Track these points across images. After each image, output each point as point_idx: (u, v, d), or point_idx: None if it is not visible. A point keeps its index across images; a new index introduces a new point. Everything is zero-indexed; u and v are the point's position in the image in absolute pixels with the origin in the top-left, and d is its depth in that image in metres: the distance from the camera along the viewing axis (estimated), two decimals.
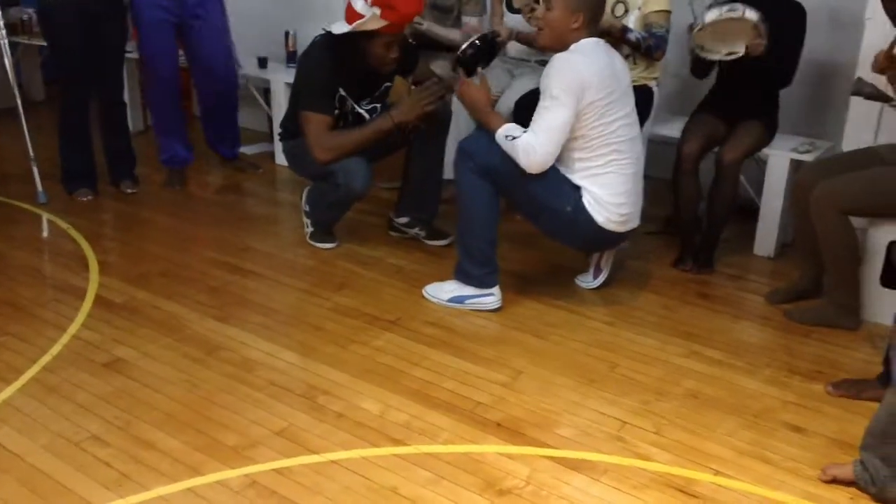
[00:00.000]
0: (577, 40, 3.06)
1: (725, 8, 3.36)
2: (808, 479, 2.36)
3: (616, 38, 3.68)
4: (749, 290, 3.56)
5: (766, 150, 3.77)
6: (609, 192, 3.13)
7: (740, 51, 3.39)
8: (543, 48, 3.30)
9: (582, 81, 2.97)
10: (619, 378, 2.85)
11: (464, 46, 3.65)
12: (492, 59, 3.79)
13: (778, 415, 2.66)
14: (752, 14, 3.32)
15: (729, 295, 3.52)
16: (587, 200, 3.13)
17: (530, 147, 3.01)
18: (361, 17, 3.33)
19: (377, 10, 3.31)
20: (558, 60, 3.03)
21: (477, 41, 3.68)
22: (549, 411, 2.64)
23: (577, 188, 3.14)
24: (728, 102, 3.71)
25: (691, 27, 3.50)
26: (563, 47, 3.08)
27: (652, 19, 3.75)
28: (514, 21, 4.22)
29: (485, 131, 3.18)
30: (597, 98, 2.99)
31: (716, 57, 3.49)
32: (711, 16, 3.37)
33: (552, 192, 3.14)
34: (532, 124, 3.04)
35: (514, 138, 3.05)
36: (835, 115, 3.96)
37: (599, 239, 3.27)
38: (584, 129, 3.04)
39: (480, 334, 3.14)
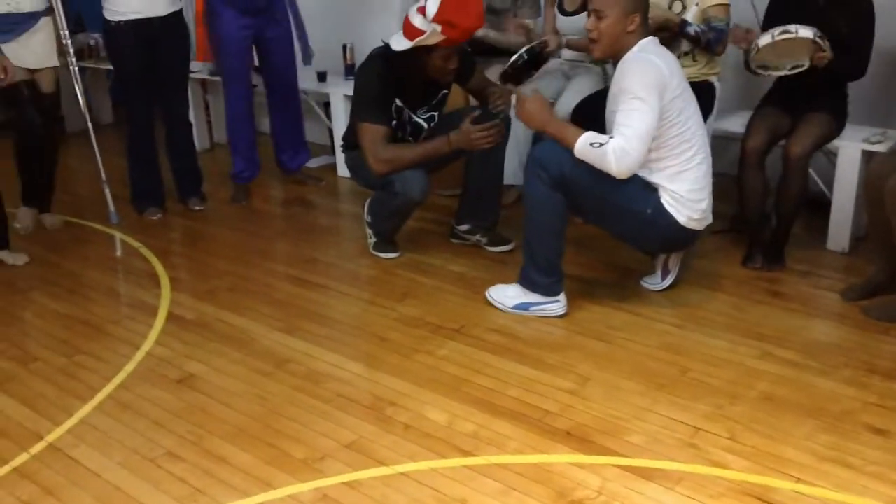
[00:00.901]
0: (633, 42, 3.02)
1: (778, 30, 3.31)
2: (893, 484, 2.28)
3: (674, 32, 3.63)
4: (823, 287, 3.47)
5: (835, 142, 3.66)
6: (689, 189, 3.08)
7: (805, 63, 3.34)
8: (599, 59, 3.26)
9: (662, 79, 2.94)
10: (689, 382, 2.79)
11: (511, 61, 3.66)
12: (538, 68, 3.78)
13: (858, 417, 2.57)
14: (806, 32, 3.27)
15: (802, 292, 3.43)
16: (666, 200, 3.09)
17: (622, 151, 2.93)
18: (421, 32, 3.34)
19: (438, 27, 3.31)
20: (634, 62, 2.99)
21: (524, 55, 3.69)
22: (618, 418, 2.60)
23: (654, 189, 3.10)
24: (793, 95, 3.62)
25: (747, 53, 3.46)
26: (620, 53, 3.05)
27: (711, 13, 3.68)
28: (567, 24, 4.19)
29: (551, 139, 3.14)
30: (675, 95, 2.97)
31: (780, 73, 3.44)
32: (765, 40, 3.34)
33: (630, 195, 3.09)
34: (619, 127, 2.97)
35: (600, 145, 2.98)
36: None
37: (679, 238, 3.22)
38: (663, 127, 2.99)
39: (545, 340, 3.12)
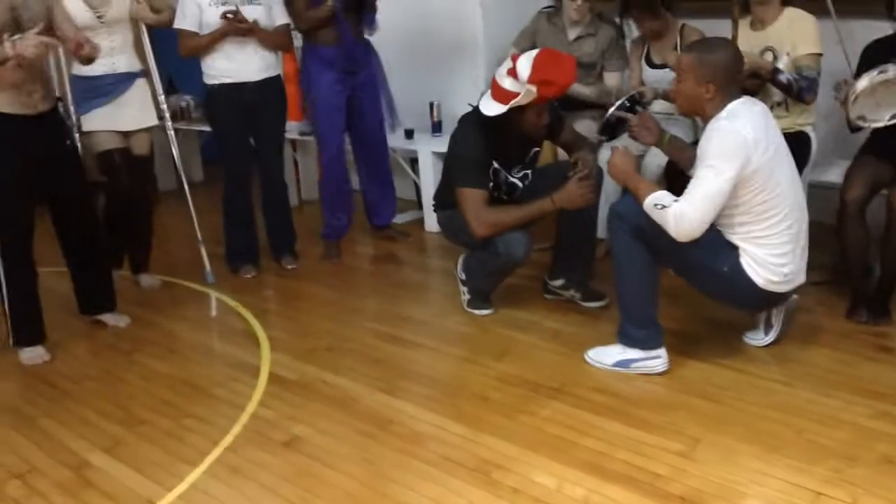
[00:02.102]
0: (717, 106, 2.99)
1: (875, 72, 3.25)
2: None
3: (766, 79, 3.60)
4: None
5: None
6: (770, 254, 3.04)
7: None
8: (682, 114, 3.26)
9: (744, 147, 2.89)
10: (804, 443, 2.72)
11: (611, 111, 3.66)
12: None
13: None
14: None
15: None
16: (745, 262, 3.05)
17: (682, 216, 2.94)
18: (515, 94, 3.37)
19: (533, 88, 3.33)
20: (717, 129, 2.95)
21: (626, 102, 3.69)
22: (733, 482, 2.54)
23: (735, 248, 3.06)
24: (893, 143, 3.54)
25: (844, 101, 3.40)
26: (704, 113, 3.03)
27: (803, 63, 3.66)
28: (654, 77, 4.20)
29: None
30: (762, 163, 2.92)
31: (881, 124, 3.37)
32: (863, 84, 3.28)
33: (707, 252, 3.07)
34: (686, 192, 2.97)
35: (663, 207, 2.99)
36: None
37: (759, 299, 3.16)
38: (748, 195, 2.96)
39: (648, 399, 3.07)
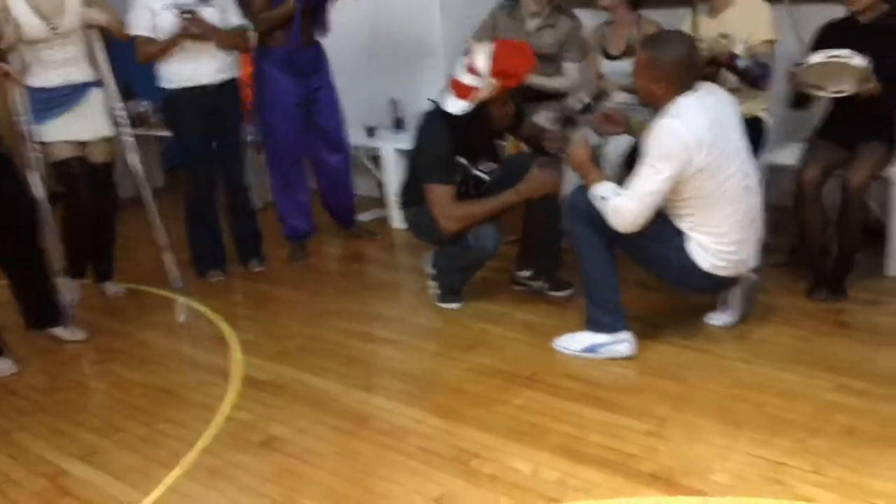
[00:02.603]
0: (669, 98, 3.06)
1: (828, 53, 3.35)
2: None
3: (723, 65, 3.69)
4: (888, 314, 3.48)
5: (890, 169, 3.69)
6: (718, 241, 3.14)
7: (848, 90, 3.37)
8: (643, 105, 3.34)
9: (686, 150, 2.96)
10: (767, 418, 2.81)
11: (577, 108, 3.75)
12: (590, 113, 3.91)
13: None
14: (859, 61, 3.31)
15: (867, 321, 3.45)
16: (692, 247, 3.15)
17: (619, 210, 3.06)
18: (474, 89, 3.43)
19: (494, 81, 3.39)
20: (660, 127, 3.02)
21: (590, 101, 3.80)
22: (701, 458, 2.63)
23: (681, 233, 3.16)
24: (845, 127, 3.65)
25: (795, 65, 3.51)
26: (659, 105, 3.10)
27: (758, 49, 3.75)
28: (612, 69, 4.28)
29: None
30: (706, 162, 2.99)
31: (822, 94, 3.47)
32: (817, 58, 3.38)
33: (656, 238, 3.18)
34: (626, 188, 3.08)
35: (604, 199, 3.10)
36: None
37: (708, 283, 3.26)
38: (692, 191, 3.05)
39: (619, 383, 3.15)
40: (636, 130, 3.49)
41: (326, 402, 3.19)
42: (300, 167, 4.73)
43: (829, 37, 3.63)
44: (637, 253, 3.29)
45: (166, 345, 3.91)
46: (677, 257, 3.16)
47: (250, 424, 3.09)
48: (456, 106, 3.50)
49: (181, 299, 4.36)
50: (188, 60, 4.20)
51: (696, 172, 2.99)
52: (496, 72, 3.39)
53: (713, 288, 3.39)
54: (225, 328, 3.96)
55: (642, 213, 3.05)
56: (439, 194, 3.58)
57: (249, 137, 5.20)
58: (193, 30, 4.12)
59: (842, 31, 3.61)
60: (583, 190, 3.25)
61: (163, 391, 3.43)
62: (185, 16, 4.08)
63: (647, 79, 3.08)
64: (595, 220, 3.18)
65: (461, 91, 3.48)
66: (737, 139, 3.17)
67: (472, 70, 3.45)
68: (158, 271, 4.53)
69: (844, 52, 3.34)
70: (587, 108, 3.95)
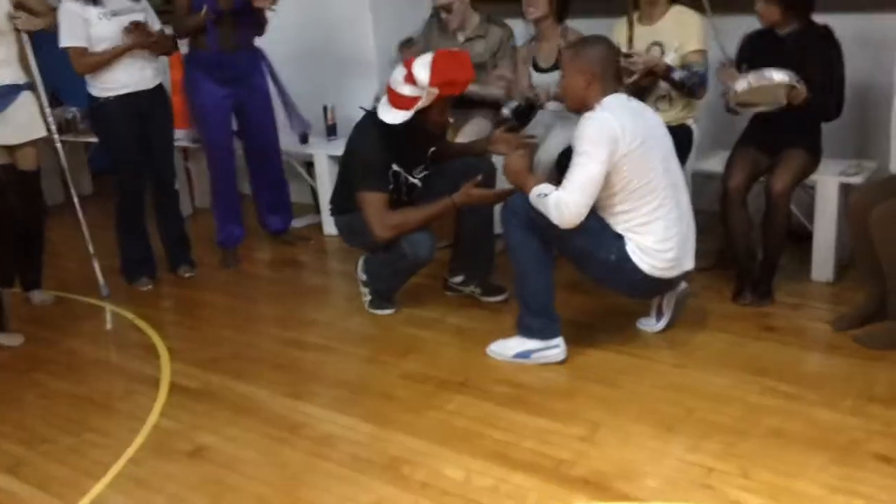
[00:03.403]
0: (595, 97, 3.13)
1: (753, 76, 3.44)
2: None
3: (661, 76, 3.74)
4: (814, 318, 3.56)
5: (813, 176, 3.78)
6: (654, 240, 3.16)
7: (783, 101, 3.46)
8: (572, 111, 3.38)
9: (612, 134, 3.02)
10: (697, 421, 2.85)
11: (509, 112, 3.77)
12: (528, 122, 3.91)
13: (865, 446, 2.64)
14: (781, 76, 3.39)
15: (794, 325, 3.52)
16: (631, 249, 3.17)
17: (562, 202, 3.06)
18: (416, 99, 3.42)
19: (435, 90, 3.40)
20: (586, 118, 3.10)
21: (522, 105, 3.82)
22: (632, 462, 2.65)
23: (620, 237, 3.18)
24: (769, 134, 3.73)
25: (724, 94, 3.61)
26: (587, 107, 3.15)
27: (691, 59, 3.81)
28: (541, 81, 4.31)
29: None
30: (630, 149, 3.04)
31: (759, 109, 3.55)
32: (741, 86, 3.46)
33: (595, 241, 3.19)
34: (564, 181, 3.10)
35: (545, 195, 3.11)
36: (878, 135, 3.96)
37: (647, 285, 3.29)
38: (622, 181, 3.08)
39: (551, 388, 3.16)
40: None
41: (256, 410, 3.15)
42: (233, 172, 4.67)
43: (752, 48, 3.70)
44: (576, 256, 3.30)
45: (94, 353, 3.81)
46: (617, 260, 3.18)
47: (178, 433, 3.03)
48: (393, 116, 3.49)
49: (109, 307, 4.26)
50: (122, 68, 4.11)
51: (622, 158, 3.04)
52: (437, 82, 3.39)
53: (651, 291, 3.42)
54: (154, 336, 3.88)
55: (584, 202, 3.05)
56: (373, 201, 3.56)
57: (179, 142, 5.13)
58: (142, 40, 4.04)
59: (763, 42, 3.68)
60: (522, 195, 3.26)
61: (90, 401, 3.34)
62: (130, 26, 4.01)
63: (574, 73, 3.14)
64: (532, 222, 3.19)
65: (399, 101, 3.47)
66: (660, 136, 3.22)
67: (411, 80, 3.44)
68: (87, 279, 4.43)
69: (766, 73, 3.42)
70: (521, 112, 3.97)
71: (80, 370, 3.64)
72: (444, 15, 4.36)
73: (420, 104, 3.44)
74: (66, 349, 3.84)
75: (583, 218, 3.08)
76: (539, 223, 3.17)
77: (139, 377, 3.51)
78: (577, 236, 3.15)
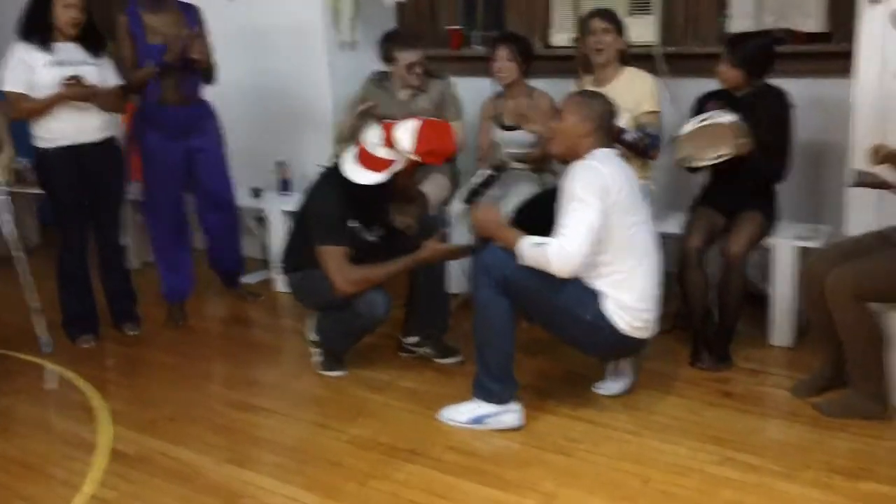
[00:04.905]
0: (588, 149, 3.11)
1: (698, 119, 3.45)
2: None
3: (612, 139, 3.71)
4: (772, 385, 3.51)
5: (769, 239, 3.76)
6: (634, 297, 3.11)
7: (728, 152, 3.44)
8: (556, 157, 3.35)
9: (604, 183, 3.01)
10: (653, 493, 2.76)
11: (478, 182, 3.76)
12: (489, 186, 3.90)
13: None
14: (726, 117, 3.40)
15: (752, 391, 3.46)
16: (608, 307, 3.11)
17: (562, 250, 2.98)
18: (390, 162, 3.38)
19: (416, 157, 3.36)
20: (578, 167, 3.08)
21: (491, 173, 3.81)
22: None
23: (596, 294, 3.12)
24: (725, 195, 3.73)
25: (672, 139, 3.58)
26: (574, 155, 3.13)
27: (644, 120, 3.81)
28: (508, 139, 4.28)
29: (501, 247, 3.17)
30: (618, 199, 3.03)
31: (704, 163, 3.55)
32: (687, 128, 3.47)
33: (572, 299, 3.12)
34: (560, 229, 3.03)
35: (541, 245, 3.03)
36: (832, 199, 3.96)
37: (621, 346, 3.23)
38: (608, 232, 3.04)
39: (504, 456, 3.06)
40: None
41: (195, 478, 3.00)
42: (183, 225, 4.55)
43: (706, 107, 3.70)
44: (549, 317, 3.23)
45: (30, 414, 3.63)
46: (593, 319, 3.11)
47: (113, 503, 2.87)
48: (365, 176, 3.43)
49: (48, 364, 4.09)
50: (67, 119, 4.00)
51: (611, 207, 3.01)
52: (422, 151, 3.36)
53: (623, 352, 3.36)
54: (94, 396, 3.71)
55: (584, 250, 2.99)
56: (335, 256, 3.47)
57: (130, 195, 5.01)
58: (76, 93, 3.94)
59: (718, 102, 3.68)
60: (496, 251, 3.19)
61: (22, 465, 3.17)
62: (70, 81, 3.90)
63: (577, 118, 3.12)
64: (508, 283, 3.11)
65: (374, 163, 3.42)
66: (639, 194, 3.22)
67: (388, 144, 3.38)
68: (29, 334, 4.26)
69: (712, 113, 3.43)
70: (489, 181, 3.94)
71: (14, 430, 3.46)
72: (409, 73, 4.32)
73: (394, 168, 3.38)
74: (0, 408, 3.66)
75: (582, 265, 3.01)
76: (513, 282, 3.10)
77: (76, 441, 3.34)
78: (554, 295, 3.09)
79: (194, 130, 4.40)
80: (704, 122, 3.46)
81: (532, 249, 3.05)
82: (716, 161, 3.50)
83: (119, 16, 4.23)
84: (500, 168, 3.96)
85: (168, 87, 4.25)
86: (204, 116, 4.46)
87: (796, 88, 3.70)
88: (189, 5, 4.35)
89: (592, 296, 3.12)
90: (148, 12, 4.20)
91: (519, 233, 3.15)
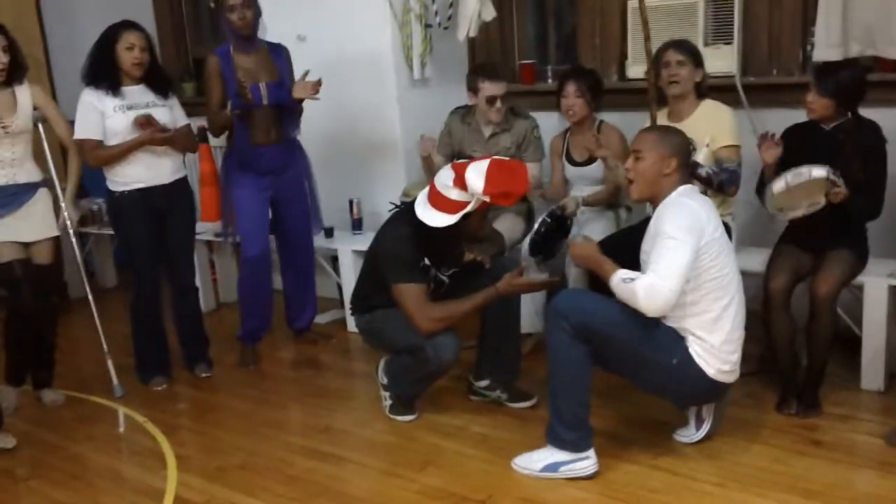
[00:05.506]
0: (671, 186, 3.03)
1: (790, 175, 3.31)
2: None
3: (688, 174, 3.59)
4: (864, 432, 3.31)
5: (860, 278, 3.57)
6: (721, 339, 3.00)
7: (821, 201, 3.29)
8: (637, 200, 3.25)
9: (698, 221, 2.93)
10: None
11: (533, 231, 3.66)
12: (567, 233, 3.78)
13: None
14: (820, 172, 3.25)
15: (843, 439, 3.27)
16: (694, 351, 2.99)
17: (652, 287, 2.88)
18: (464, 204, 3.30)
19: (486, 198, 3.28)
20: (671, 205, 3.00)
21: (548, 219, 3.71)
22: None
23: (682, 338, 3.00)
24: (812, 233, 3.54)
25: (760, 193, 3.51)
26: (657, 195, 3.05)
27: (722, 154, 3.68)
28: (576, 174, 4.20)
29: (577, 289, 3.08)
30: (712, 239, 2.94)
31: (799, 213, 3.39)
32: (779, 186, 3.33)
33: (655, 344, 3.01)
34: (652, 265, 2.93)
35: (631, 280, 2.93)
36: None
37: (708, 391, 3.11)
38: (700, 270, 2.94)
39: None
40: None
41: None
42: (265, 266, 4.52)
43: (793, 141, 3.55)
44: (630, 364, 3.10)
45: (100, 461, 3.63)
46: (678, 364, 3.00)
47: None
48: (436, 218, 3.34)
49: (122, 409, 4.10)
50: (141, 163, 4.05)
51: (704, 247, 2.93)
52: (492, 192, 3.26)
53: (709, 398, 3.22)
54: (163, 442, 3.70)
55: (676, 287, 2.88)
56: (413, 294, 3.39)
57: (203, 236, 5.04)
58: (155, 139, 3.98)
59: (804, 136, 3.55)
60: (572, 294, 3.13)
61: None
62: (141, 120, 3.95)
63: (658, 156, 3.04)
64: (586, 329, 3.01)
65: (445, 205, 3.33)
66: (725, 233, 3.12)
67: (460, 185, 3.30)
68: (102, 377, 4.28)
69: (803, 169, 3.26)
70: (558, 223, 3.83)
71: (84, 479, 3.46)
72: (490, 107, 4.23)
73: (468, 209, 3.31)
74: (70, 454, 3.67)
75: (672, 304, 2.91)
76: (592, 328, 3.01)
77: (143, 488, 3.33)
78: (636, 339, 2.99)
79: (282, 170, 4.40)
80: (798, 181, 3.29)
81: (621, 283, 2.96)
82: (808, 211, 3.36)
83: (209, 56, 4.28)
84: (558, 215, 3.85)
85: (254, 128, 4.26)
86: (292, 156, 4.46)
87: (885, 119, 3.52)
88: (278, 45, 4.38)
89: (677, 339, 3.01)
90: (240, 53, 4.23)
91: (614, 265, 3.05)
